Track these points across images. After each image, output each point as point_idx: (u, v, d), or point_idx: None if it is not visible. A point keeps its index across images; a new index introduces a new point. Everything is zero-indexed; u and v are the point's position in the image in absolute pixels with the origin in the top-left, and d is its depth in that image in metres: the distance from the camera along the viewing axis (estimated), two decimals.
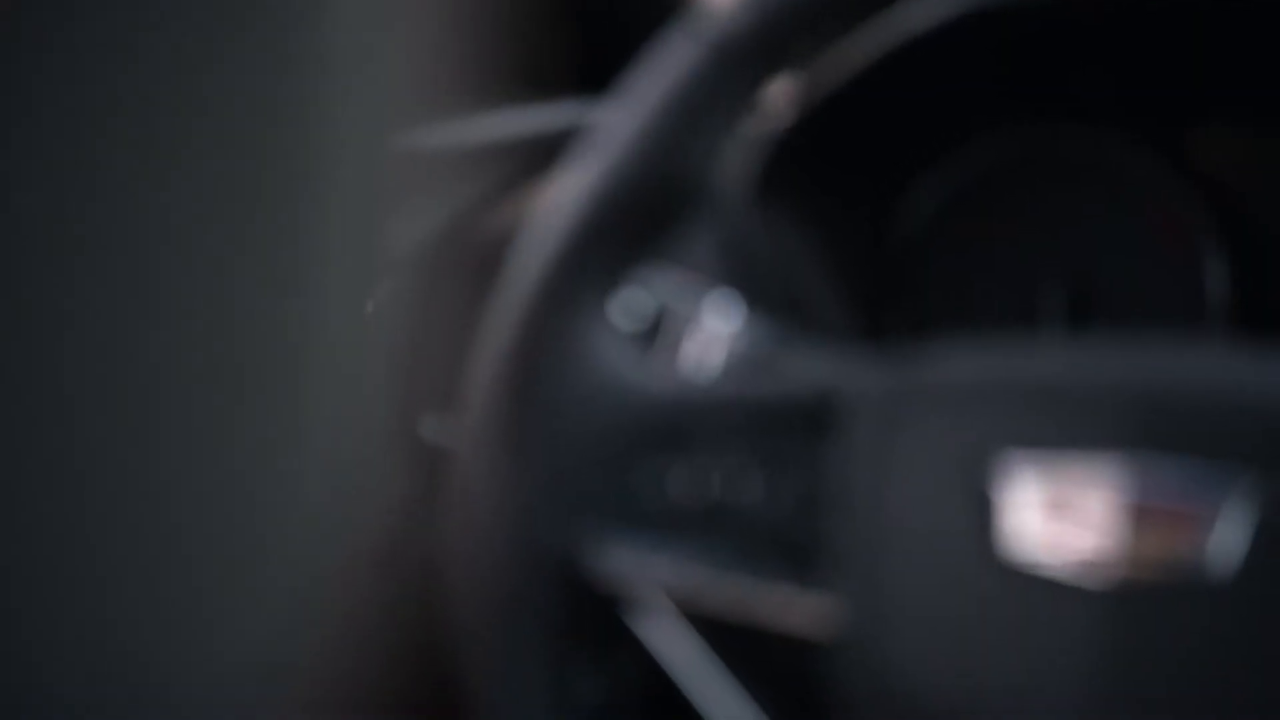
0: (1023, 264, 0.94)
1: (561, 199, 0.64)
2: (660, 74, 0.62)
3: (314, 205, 0.35)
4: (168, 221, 0.32)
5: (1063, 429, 0.54)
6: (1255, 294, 0.91)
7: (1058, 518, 0.53)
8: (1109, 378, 0.55)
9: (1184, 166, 0.91)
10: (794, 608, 0.58)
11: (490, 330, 0.64)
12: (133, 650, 0.34)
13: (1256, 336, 0.79)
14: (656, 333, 0.82)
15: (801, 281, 0.95)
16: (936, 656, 0.54)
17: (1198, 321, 0.91)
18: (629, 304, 0.83)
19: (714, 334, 0.71)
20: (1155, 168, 0.92)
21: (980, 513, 0.54)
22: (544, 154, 0.94)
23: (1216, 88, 0.88)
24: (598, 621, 0.63)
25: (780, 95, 0.90)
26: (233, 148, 0.33)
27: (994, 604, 0.54)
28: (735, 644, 0.61)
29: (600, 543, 0.61)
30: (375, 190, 0.38)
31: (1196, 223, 0.91)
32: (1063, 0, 0.86)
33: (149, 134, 0.31)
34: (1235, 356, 0.60)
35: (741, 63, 0.62)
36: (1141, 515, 0.52)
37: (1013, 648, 0.53)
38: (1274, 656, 0.50)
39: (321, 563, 0.39)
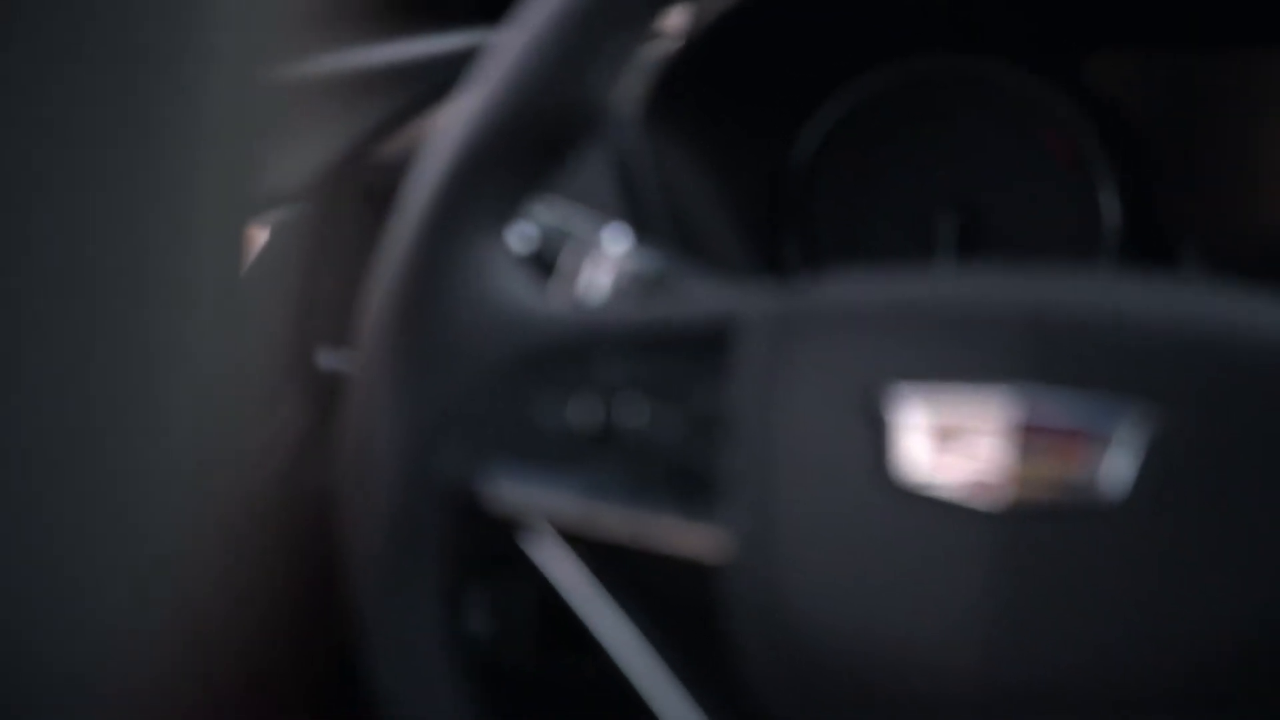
0: (918, 193, 0.94)
1: (454, 125, 0.63)
2: None
3: (193, 138, 0.35)
4: (41, 158, 0.32)
5: (954, 355, 0.55)
6: (1148, 221, 0.91)
7: (949, 442, 0.54)
8: (1000, 306, 0.55)
9: (1078, 95, 0.92)
10: (688, 534, 0.58)
11: (384, 257, 0.64)
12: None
13: (1148, 264, 0.80)
14: (552, 262, 0.81)
15: (696, 212, 0.95)
16: (828, 580, 0.54)
17: (1091, 249, 0.92)
18: (526, 233, 0.83)
19: (609, 263, 0.70)
20: (1050, 96, 0.92)
21: (872, 437, 0.55)
22: (440, 79, 0.93)
23: (1110, 14, 0.89)
24: (492, 551, 0.63)
25: (674, 21, 0.89)
26: (108, 84, 0.32)
27: (885, 527, 0.54)
28: (630, 572, 0.61)
29: (495, 471, 0.61)
30: (254, 121, 0.37)
31: (1091, 151, 0.92)
32: None
33: (19, 68, 0.31)
34: (1125, 284, 0.60)
35: None
36: (1033, 439, 0.53)
37: (904, 570, 0.53)
38: (1163, 577, 0.51)
39: (205, 502, 0.38)
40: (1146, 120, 0.91)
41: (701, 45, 0.89)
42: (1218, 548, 0.51)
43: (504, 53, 0.62)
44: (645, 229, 0.90)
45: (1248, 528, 0.50)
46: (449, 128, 0.63)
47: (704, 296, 0.61)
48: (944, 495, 0.53)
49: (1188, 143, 0.91)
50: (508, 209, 0.63)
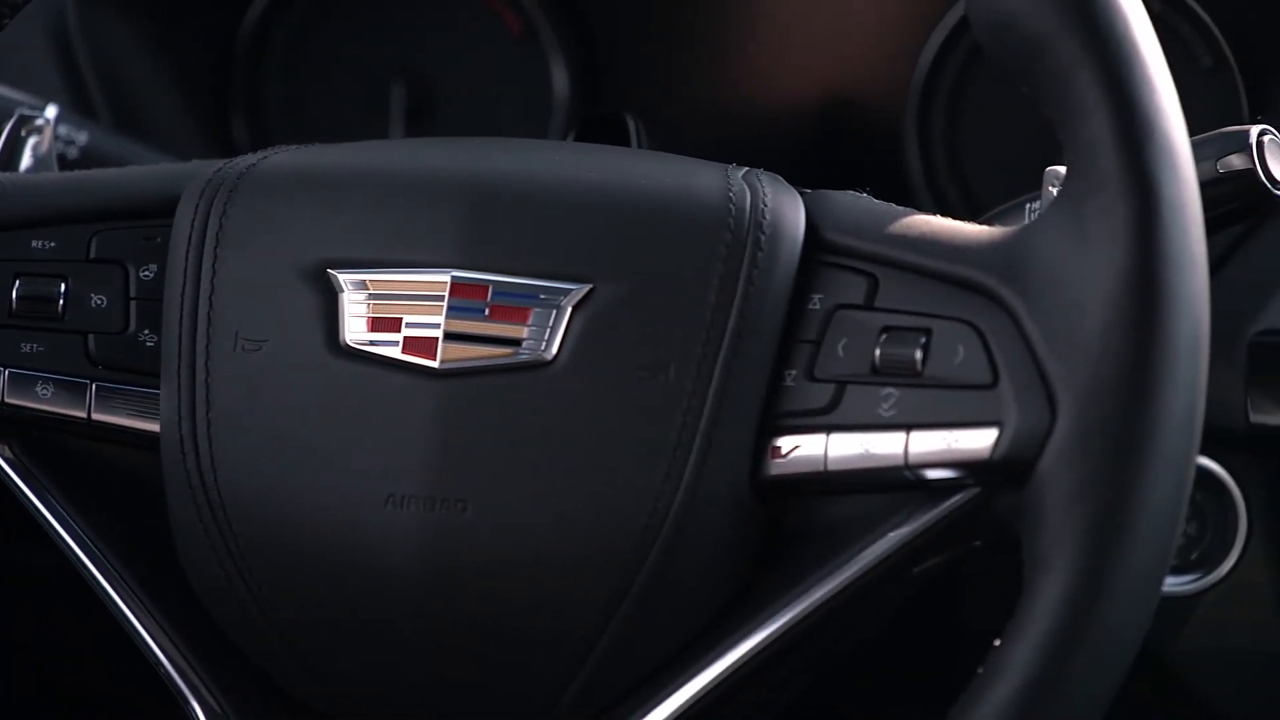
0: (368, 67, 0.94)
1: None
2: None
3: None
4: None
5: (394, 222, 0.56)
6: (595, 92, 0.94)
7: (388, 305, 0.54)
8: (439, 175, 0.56)
9: None
10: (130, 409, 0.57)
11: None
12: None
13: (596, 134, 0.82)
14: None
15: (143, 92, 0.93)
16: (263, 448, 0.54)
17: (541, 120, 0.94)
18: None
19: (46, 141, 0.67)
20: None
21: (311, 303, 0.55)
22: None
23: None
24: None
25: None
26: None
27: (323, 391, 0.54)
28: (72, 452, 0.59)
29: None
30: None
31: (539, 20, 0.93)
32: None
33: None
34: (563, 153, 0.62)
35: None
36: (469, 302, 0.54)
37: (342, 433, 0.54)
38: (586, 432, 0.53)
39: None
40: None
41: None
42: (638, 404, 0.53)
43: None
44: (87, 108, 0.88)
45: (663, 385, 0.53)
46: None
47: (144, 171, 0.60)
48: (382, 356, 0.54)
49: (631, 17, 0.93)
50: None
